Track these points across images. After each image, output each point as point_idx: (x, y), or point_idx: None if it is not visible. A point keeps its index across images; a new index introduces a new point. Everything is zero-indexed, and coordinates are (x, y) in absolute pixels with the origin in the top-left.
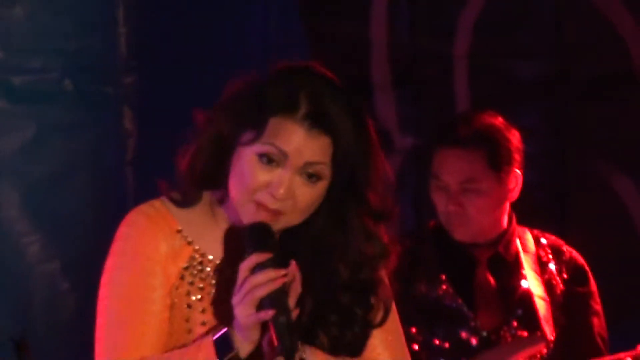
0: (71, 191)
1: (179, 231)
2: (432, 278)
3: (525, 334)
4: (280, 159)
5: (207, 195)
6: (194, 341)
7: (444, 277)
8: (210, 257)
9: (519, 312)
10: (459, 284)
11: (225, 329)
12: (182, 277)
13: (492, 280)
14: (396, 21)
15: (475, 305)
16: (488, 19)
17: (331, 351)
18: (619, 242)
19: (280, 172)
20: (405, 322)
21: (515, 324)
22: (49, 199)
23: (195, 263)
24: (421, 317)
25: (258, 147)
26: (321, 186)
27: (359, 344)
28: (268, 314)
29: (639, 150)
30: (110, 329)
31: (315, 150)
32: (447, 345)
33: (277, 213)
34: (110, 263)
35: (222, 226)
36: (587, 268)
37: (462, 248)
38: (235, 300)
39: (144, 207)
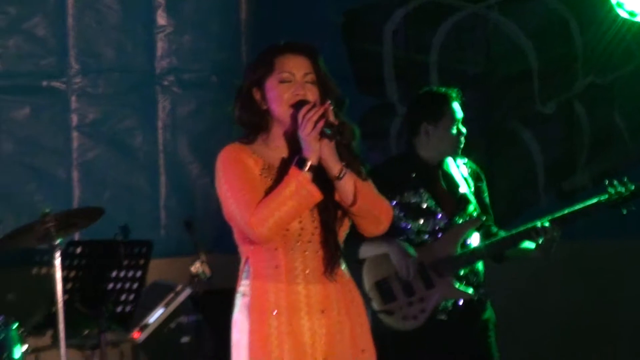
0: (217, 138)
1: (252, 152)
2: (416, 189)
3: (465, 213)
4: (291, 77)
5: (260, 137)
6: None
7: (422, 189)
8: (276, 165)
9: (462, 206)
10: (431, 191)
11: (297, 156)
12: (261, 175)
13: (444, 187)
14: (397, 42)
15: (441, 203)
16: (450, 42)
17: None
18: (521, 166)
19: (295, 83)
20: (405, 218)
21: (464, 208)
22: (205, 142)
23: (265, 168)
24: (412, 212)
25: (277, 77)
26: (316, 87)
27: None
28: (320, 125)
29: (536, 112)
30: (238, 200)
31: (304, 65)
32: (428, 228)
33: None
34: (221, 173)
35: (273, 150)
36: (483, 174)
37: (430, 168)
38: (300, 130)
39: (231, 144)
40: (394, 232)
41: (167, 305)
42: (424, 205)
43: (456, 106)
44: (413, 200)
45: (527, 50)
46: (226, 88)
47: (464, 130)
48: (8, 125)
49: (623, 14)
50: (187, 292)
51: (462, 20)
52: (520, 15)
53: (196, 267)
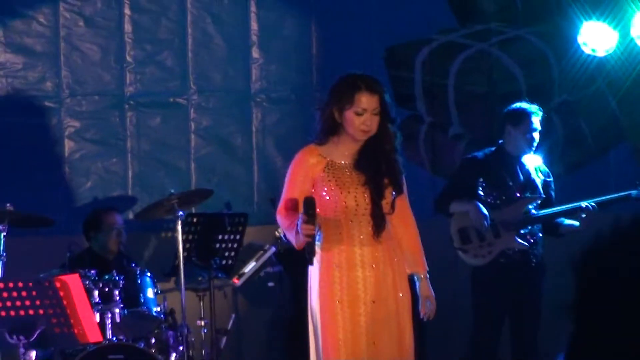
0: (294, 139)
1: (319, 154)
2: (501, 172)
3: (531, 194)
4: (364, 111)
5: (331, 139)
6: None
7: (504, 172)
8: (337, 161)
9: (530, 187)
10: (510, 174)
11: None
12: (324, 171)
13: (520, 173)
14: (424, 70)
15: (516, 182)
16: (462, 70)
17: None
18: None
19: (365, 116)
20: (490, 190)
21: (531, 190)
22: (286, 142)
23: (328, 165)
24: (495, 187)
25: (354, 109)
26: (378, 118)
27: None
28: (307, 240)
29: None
30: (283, 196)
31: (375, 102)
32: (505, 198)
33: (367, 131)
34: (289, 170)
35: (340, 150)
36: (551, 174)
37: (511, 159)
38: (300, 229)
39: (306, 147)
40: (481, 199)
41: (257, 260)
42: (504, 183)
43: (534, 119)
44: (497, 179)
45: (518, 76)
46: (301, 103)
47: (536, 137)
48: (145, 130)
49: (587, 50)
50: (272, 250)
51: (472, 55)
52: (513, 51)
53: (279, 232)
